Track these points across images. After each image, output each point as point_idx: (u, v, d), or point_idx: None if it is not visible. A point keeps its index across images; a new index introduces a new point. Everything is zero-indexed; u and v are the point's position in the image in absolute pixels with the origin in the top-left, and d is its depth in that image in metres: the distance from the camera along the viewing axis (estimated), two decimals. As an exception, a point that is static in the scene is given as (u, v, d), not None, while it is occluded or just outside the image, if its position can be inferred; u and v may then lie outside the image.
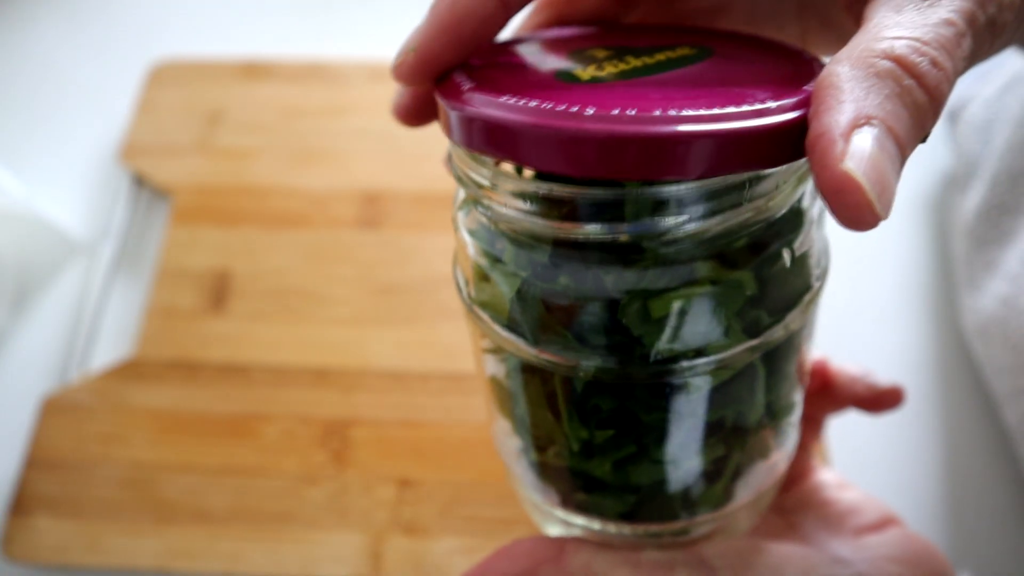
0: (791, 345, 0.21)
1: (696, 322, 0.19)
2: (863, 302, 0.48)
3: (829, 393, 0.30)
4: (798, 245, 0.20)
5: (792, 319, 0.20)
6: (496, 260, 0.20)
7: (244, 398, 0.44)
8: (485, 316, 0.21)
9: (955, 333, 0.46)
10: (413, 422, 0.43)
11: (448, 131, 0.19)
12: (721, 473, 0.23)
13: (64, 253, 0.50)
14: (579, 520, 0.25)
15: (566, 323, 0.19)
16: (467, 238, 0.21)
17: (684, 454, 0.22)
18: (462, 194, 0.22)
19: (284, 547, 0.39)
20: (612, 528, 0.25)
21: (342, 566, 0.39)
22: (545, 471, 0.25)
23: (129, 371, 0.44)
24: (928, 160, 0.53)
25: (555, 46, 0.23)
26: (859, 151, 0.15)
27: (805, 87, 0.18)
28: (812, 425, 0.30)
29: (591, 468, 0.23)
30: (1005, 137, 0.43)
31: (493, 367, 0.24)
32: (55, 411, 0.43)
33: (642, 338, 0.19)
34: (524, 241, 0.19)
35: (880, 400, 0.29)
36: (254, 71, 0.56)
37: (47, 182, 0.53)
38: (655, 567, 0.23)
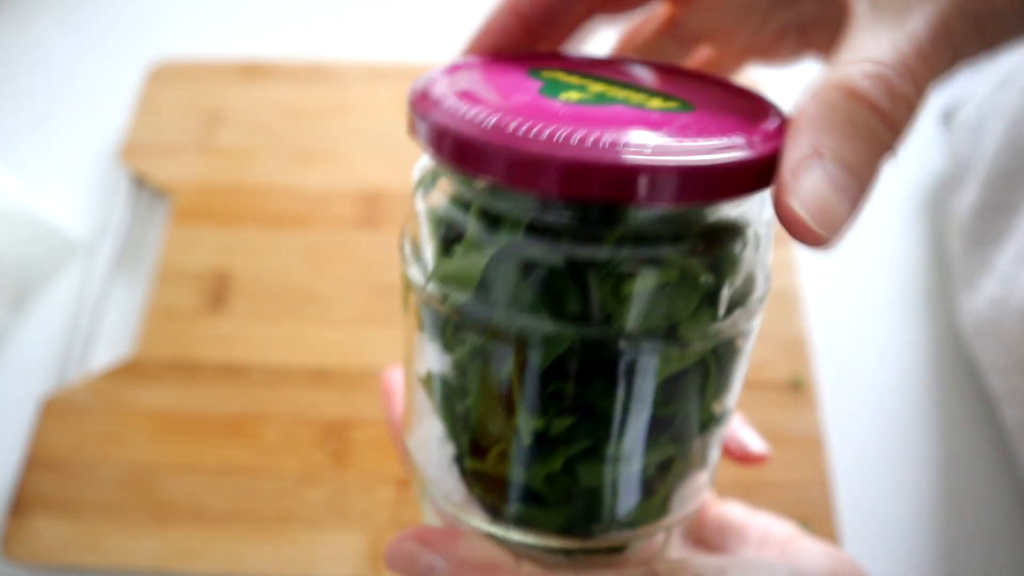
0: (737, 349, 0.22)
1: (664, 302, 0.20)
2: (860, 303, 0.48)
3: None
4: (753, 250, 0.21)
5: (743, 318, 0.21)
6: (461, 235, 0.21)
7: (244, 398, 0.44)
8: (446, 290, 0.21)
9: (953, 333, 0.46)
10: (413, 422, 0.43)
11: (419, 140, 0.20)
12: (663, 481, 0.23)
13: (64, 253, 0.50)
14: (513, 535, 0.24)
15: (538, 295, 0.19)
16: (424, 215, 0.22)
17: (635, 451, 0.22)
18: (420, 172, 0.22)
19: (284, 547, 0.39)
20: (550, 542, 0.24)
21: (342, 566, 0.39)
22: (479, 481, 0.24)
23: (129, 371, 0.44)
24: (922, 161, 0.53)
25: (554, 64, 0.23)
26: (804, 187, 0.17)
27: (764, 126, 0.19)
28: None
29: (535, 472, 0.22)
30: (998, 136, 0.43)
31: (435, 362, 0.23)
32: (55, 411, 0.43)
33: (611, 315, 0.19)
34: (496, 219, 0.20)
35: (745, 459, 0.31)
36: (254, 71, 0.56)
37: (47, 182, 0.53)
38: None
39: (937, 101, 0.52)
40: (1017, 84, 0.43)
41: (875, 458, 0.43)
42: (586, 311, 0.19)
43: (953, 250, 0.46)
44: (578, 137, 0.17)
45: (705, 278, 0.20)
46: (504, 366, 0.21)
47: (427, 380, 0.24)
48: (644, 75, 0.23)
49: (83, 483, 0.41)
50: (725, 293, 0.20)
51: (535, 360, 0.20)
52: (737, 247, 0.20)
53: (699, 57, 0.29)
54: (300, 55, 0.58)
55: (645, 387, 0.21)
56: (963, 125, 0.46)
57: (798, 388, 0.43)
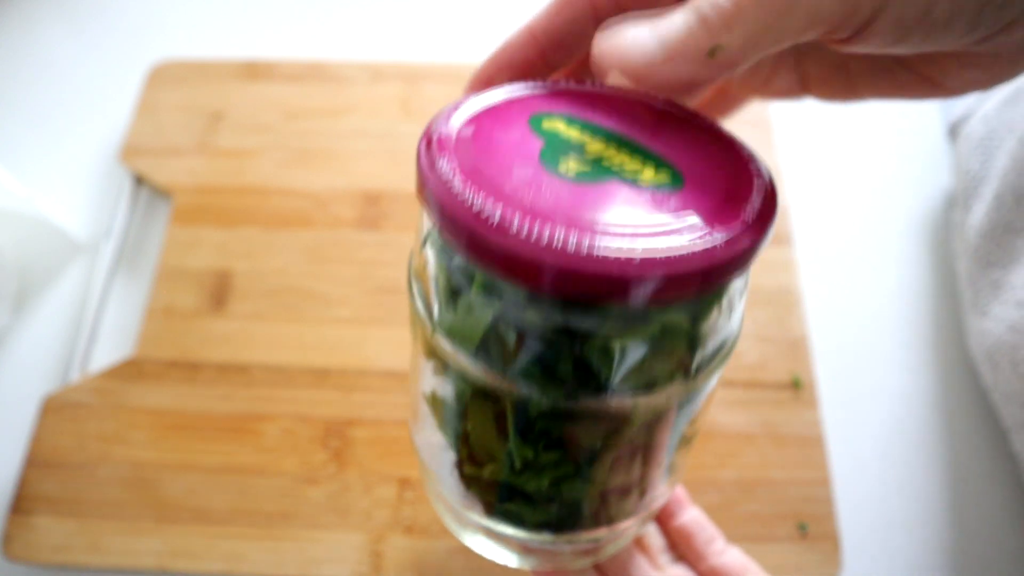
0: (698, 395, 0.25)
1: (646, 367, 0.21)
2: (860, 303, 0.48)
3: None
4: (724, 314, 0.23)
5: (713, 369, 0.24)
6: (462, 292, 0.22)
7: (244, 398, 0.44)
8: (448, 343, 0.22)
9: (960, 355, 0.45)
10: (413, 422, 0.43)
11: (429, 213, 0.20)
12: (634, 489, 0.27)
13: (66, 253, 0.50)
14: (505, 529, 0.27)
15: (535, 356, 0.21)
16: (435, 267, 0.23)
17: (613, 473, 0.25)
18: (428, 225, 0.23)
19: (284, 547, 0.39)
20: (537, 536, 0.27)
21: (342, 566, 0.39)
22: (476, 483, 0.26)
23: (129, 371, 0.44)
24: (928, 178, 0.52)
25: (552, 104, 0.24)
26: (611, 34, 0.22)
27: (740, 218, 0.20)
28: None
29: (524, 484, 0.25)
30: (1010, 154, 0.42)
31: (436, 385, 0.25)
32: (56, 410, 0.43)
33: (599, 376, 0.21)
34: (495, 287, 0.21)
35: None
36: (254, 71, 0.56)
37: (48, 182, 0.53)
38: None
39: (942, 115, 0.51)
40: None
41: (875, 458, 0.43)
42: (576, 373, 0.21)
43: (961, 270, 0.45)
44: (573, 242, 0.18)
45: (680, 347, 0.22)
46: (498, 406, 0.23)
47: (432, 399, 0.26)
48: (640, 122, 0.23)
49: (84, 482, 0.41)
50: (696, 359, 0.22)
51: (528, 408, 0.22)
52: (709, 320, 0.22)
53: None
54: (300, 55, 0.58)
55: (623, 430, 0.23)
56: (969, 140, 0.46)
57: (798, 388, 0.43)
